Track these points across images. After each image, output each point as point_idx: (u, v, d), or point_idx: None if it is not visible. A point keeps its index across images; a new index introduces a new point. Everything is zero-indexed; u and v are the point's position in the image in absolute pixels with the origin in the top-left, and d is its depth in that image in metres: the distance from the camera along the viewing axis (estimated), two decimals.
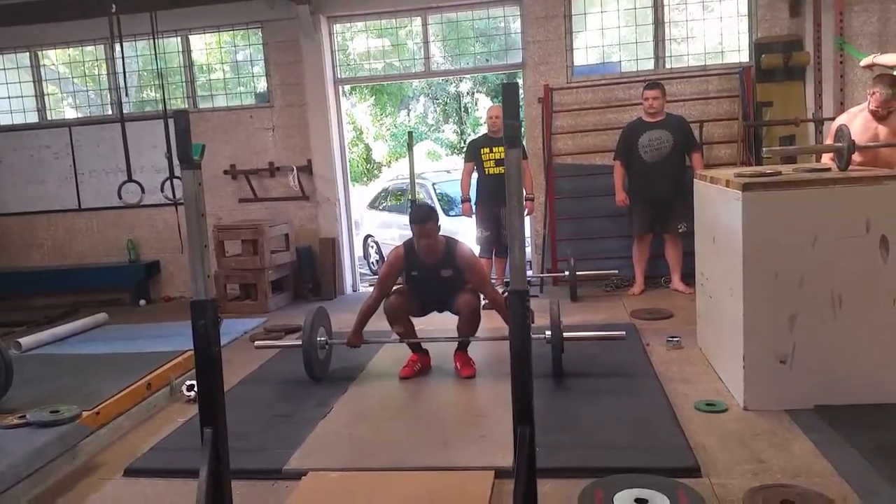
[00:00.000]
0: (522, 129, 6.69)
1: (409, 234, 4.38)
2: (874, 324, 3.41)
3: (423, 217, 4.23)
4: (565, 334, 4.13)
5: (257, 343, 4.91)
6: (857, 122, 4.25)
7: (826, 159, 4.49)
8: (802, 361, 3.44)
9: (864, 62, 4.99)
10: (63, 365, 4.63)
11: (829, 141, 4.35)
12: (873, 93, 4.17)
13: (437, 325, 4.96)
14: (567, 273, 6.38)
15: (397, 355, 4.60)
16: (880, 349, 3.41)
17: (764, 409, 3.47)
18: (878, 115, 4.17)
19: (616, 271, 6.63)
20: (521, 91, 6.96)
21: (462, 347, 4.45)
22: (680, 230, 6.08)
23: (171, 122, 6.15)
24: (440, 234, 4.29)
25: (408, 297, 4.43)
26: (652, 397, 3.77)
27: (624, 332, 4.42)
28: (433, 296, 4.42)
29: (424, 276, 4.33)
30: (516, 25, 7.19)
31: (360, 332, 4.42)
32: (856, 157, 3.87)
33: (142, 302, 7.59)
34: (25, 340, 5.55)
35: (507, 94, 2.39)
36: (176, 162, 5.94)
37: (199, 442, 2.71)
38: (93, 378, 4.18)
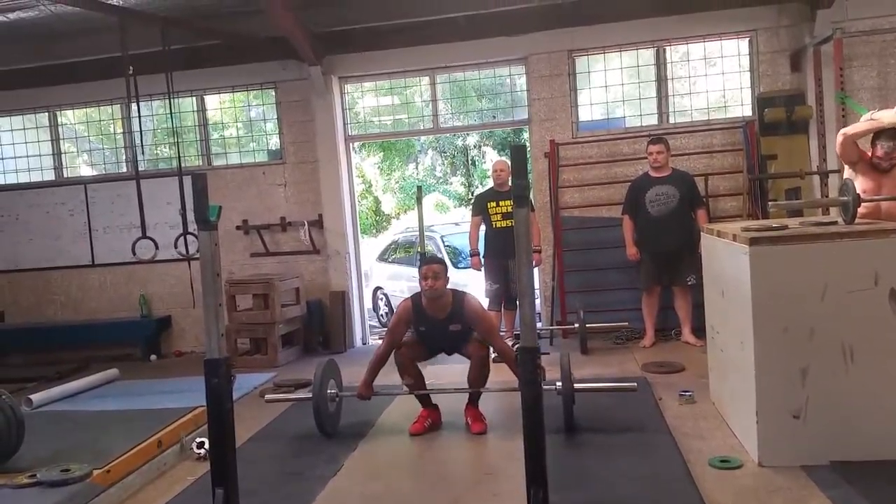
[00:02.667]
0: (530, 184, 6.78)
1: (417, 286, 4.41)
2: (887, 377, 3.39)
3: (430, 259, 4.40)
4: (576, 385, 4.11)
5: (268, 397, 4.90)
6: (860, 174, 4.30)
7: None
8: (816, 416, 3.41)
9: (863, 118, 5.06)
10: (74, 422, 4.62)
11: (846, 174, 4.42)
12: (877, 145, 4.23)
13: (447, 378, 4.96)
14: (577, 325, 6.37)
15: (407, 409, 4.58)
16: (894, 403, 3.38)
17: (779, 466, 3.43)
18: (882, 168, 4.22)
19: (626, 323, 6.62)
20: (527, 146, 7.08)
21: (473, 401, 4.42)
22: (689, 283, 6.08)
23: (185, 179, 6.28)
24: (448, 287, 4.32)
25: (416, 346, 4.44)
26: (665, 453, 3.73)
27: (635, 384, 4.40)
28: (442, 347, 4.49)
29: (433, 331, 4.36)
30: (521, 82, 7.36)
31: (371, 384, 4.41)
32: (860, 209, 3.90)
33: (153, 357, 7.60)
34: (37, 397, 5.57)
35: (516, 155, 2.46)
36: (190, 218, 6.06)
37: (210, 501, 2.71)
38: (104, 435, 4.18)
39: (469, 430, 4.32)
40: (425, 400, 4.48)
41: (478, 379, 4.34)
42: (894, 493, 3.05)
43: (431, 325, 4.34)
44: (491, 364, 4.40)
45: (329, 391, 4.42)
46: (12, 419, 3.72)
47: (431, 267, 4.27)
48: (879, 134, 4.25)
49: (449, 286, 4.37)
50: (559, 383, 4.07)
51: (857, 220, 3.73)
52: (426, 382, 4.53)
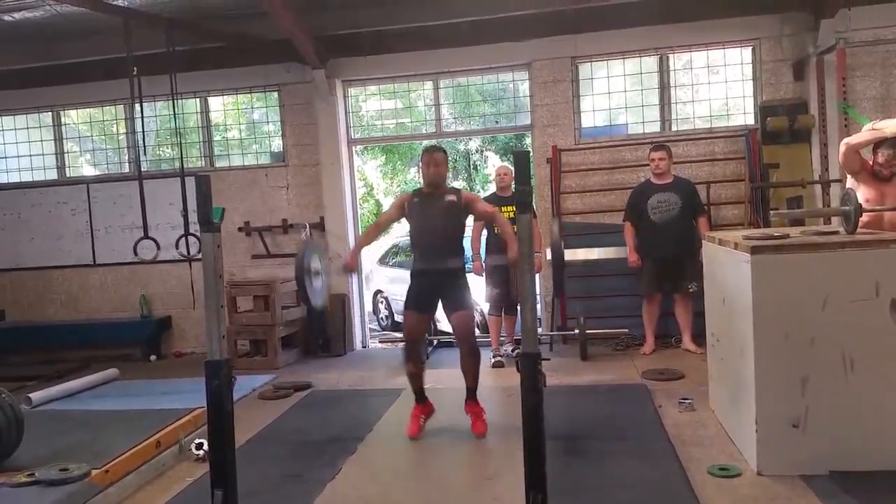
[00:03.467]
0: (533, 191, 6.79)
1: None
2: (887, 387, 3.38)
3: (434, 147, 4.41)
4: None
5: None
6: (862, 184, 4.30)
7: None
8: (816, 425, 3.41)
9: (867, 128, 5.07)
10: (73, 421, 4.62)
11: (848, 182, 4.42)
12: (878, 152, 4.23)
13: (448, 381, 4.96)
14: (577, 331, 6.37)
15: (407, 412, 4.57)
16: (895, 414, 3.38)
17: (778, 474, 3.42)
18: (883, 176, 4.21)
19: (626, 330, 6.62)
20: (530, 152, 7.09)
21: (471, 395, 4.42)
22: (690, 290, 6.08)
23: (187, 180, 6.29)
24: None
25: (420, 317, 4.43)
26: (664, 461, 3.73)
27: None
28: (432, 234, 4.32)
29: (427, 204, 4.31)
30: (524, 88, 7.37)
31: (357, 257, 4.51)
32: (862, 218, 3.90)
33: (152, 357, 7.60)
34: (36, 395, 5.57)
35: (519, 161, 2.47)
36: (191, 219, 6.07)
37: (209, 502, 2.71)
38: (103, 435, 4.17)
39: (471, 431, 4.31)
40: (419, 395, 4.49)
41: (469, 367, 4.34)
42: None
43: (427, 198, 4.32)
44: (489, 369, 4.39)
45: (313, 265, 4.30)
46: (12, 418, 3.72)
47: (434, 156, 4.31)
48: (881, 142, 4.26)
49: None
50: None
51: (859, 230, 3.73)
52: (427, 385, 4.53)
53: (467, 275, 4.53)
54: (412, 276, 4.49)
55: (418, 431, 4.37)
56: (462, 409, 4.46)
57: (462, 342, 4.35)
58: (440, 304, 4.45)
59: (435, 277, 4.34)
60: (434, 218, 4.31)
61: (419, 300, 4.42)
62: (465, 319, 4.32)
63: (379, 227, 4.85)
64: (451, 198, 4.33)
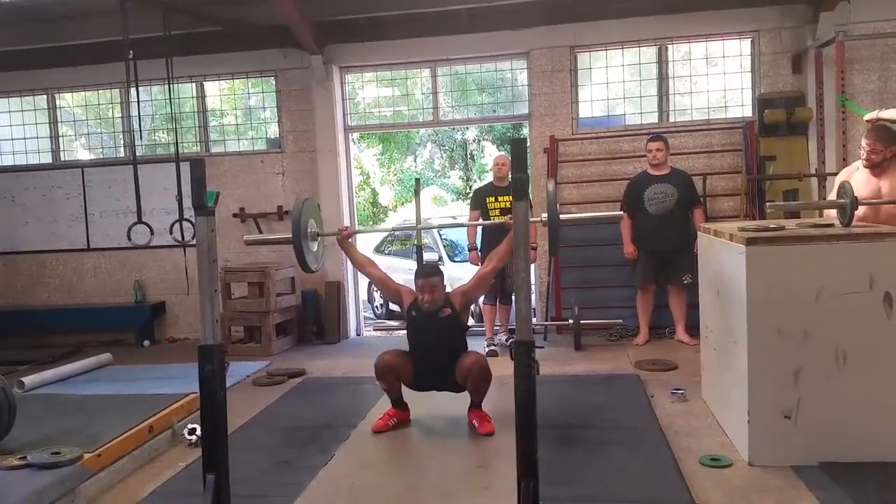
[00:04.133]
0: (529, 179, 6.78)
1: (412, 279, 4.40)
2: (879, 380, 3.40)
3: (428, 272, 4.29)
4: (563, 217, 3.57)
5: (247, 238, 4.55)
6: (858, 176, 4.29)
7: (833, 214, 4.52)
8: (807, 417, 3.42)
9: (867, 117, 5.07)
10: (66, 405, 4.61)
11: (833, 195, 4.39)
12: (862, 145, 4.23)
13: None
14: (571, 322, 6.38)
15: None
16: (886, 407, 3.40)
17: (769, 465, 3.44)
18: (873, 163, 4.19)
19: (620, 321, 6.63)
20: (527, 141, 7.06)
21: (476, 405, 4.31)
22: (685, 282, 6.09)
23: (182, 165, 6.26)
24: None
25: (402, 361, 4.30)
26: (656, 451, 3.74)
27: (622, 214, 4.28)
28: (431, 354, 4.27)
29: (423, 319, 4.27)
30: (523, 77, 7.34)
31: (349, 238, 4.39)
32: (858, 212, 3.90)
33: (146, 343, 7.59)
34: (29, 379, 5.55)
35: (516, 149, 2.46)
36: (186, 204, 6.04)
37: (201, 487, 2.72)
38: (95, 419, 4.17)
39: (476, 431, 4.20)
40: (396, 401, 4.41)
41: (479, 386, 4.22)
42: (882, 495, 3.07)
43: (425, 315, 4.28)
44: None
45: (310, 230, 4.11)
46: (4, 401, 3.72)
47: (429, 281, 4.22)
48: (866, 133, 4.25)
49: (445, 281, 4.36)
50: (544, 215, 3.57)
51: (854, 223, 3.73)
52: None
53: (458, 273, 4.49)
54: (407, 323, 4.43)
55: (384, 427, 4.26)
56: (453, 398, 4.42)
57: (476, 367, 4.15)
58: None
59: (432, 375, 4.33)
60: (433, 338, 4.28)
61: (418, 372, 4.32)
62: (477, 358, 4.21)
63: (375, 274, 4.54)
64: (447, 311, 4.26)
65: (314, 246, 4.10)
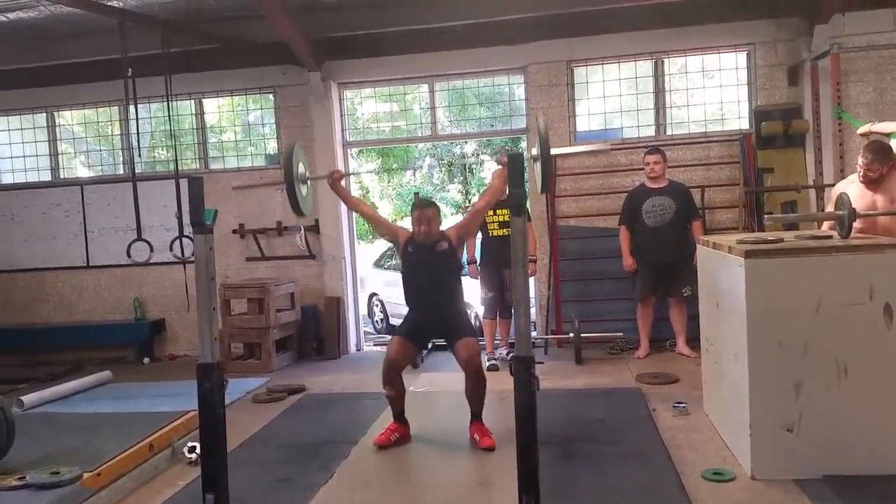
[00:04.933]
0: (527, 194, 6.79)
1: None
2: (880, 392, 3.39)
3: (424, 203, 4.29)
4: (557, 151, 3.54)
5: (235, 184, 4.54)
6: (854, 189, 4.30)
7: (826, 226, 4.54)
8: (809, 430, 3.41)
9: (861, 130, 5.10)
10: (65, 424, 4.60)
11: (830, 208, 4.40)
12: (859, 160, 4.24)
13: (441, 385, 4.95)
14: (572, 335, 6.37)
15: None
16: (888, 418, 3.39)
17: (772, 479, 3.42)
18: (869, 180, 4.21)
19: (621, 334, 6.62)
20: (525, 155, 7.08)
21: (476, 417, 4.30)
22: (685, 294, 6.09)
23: (182, 182, 6.27)
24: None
25: (404, 345, 4.33)
26: (658, 465, 3.73)
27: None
28: (428, 291, 4.28)
29: (420, 253, 4.25)
30: (520, 92, 7.38)
31: (341, 181, 4.57)
32: (855, 224, 3.91)
33: (146, 360, 7.57)
34: (28, 398, 5.53)
35: (513, 164, 2.47)
36: (186, 221, 6.05)
37: None
38: (95, 438, 4.15)
39: (477, 446, 4.17)
40: (398, 415, 4.39)
41: (475, 393, 4.24)
42: None
43: (421, 249, 4.25)
44: (486, 374, 4.35)
45: (300, 171, 4.22)
46: (2, 421, 3.71)
47: (425, 212, 4.19)
48: (863, 148, 4.27)
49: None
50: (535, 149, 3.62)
51: (852, 235, 3.74)
52: (420, 389, 4.50)
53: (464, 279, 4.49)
54: (404, 262, 4.41)
55: (387, 442, 4.24)
56: (454, 413, 4.42)
57: (469, 369, 4.20)
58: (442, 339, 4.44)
59: (432, 323, 4.32)
60: (429, 272, 4.25)
61: (412, 332, 4.36)
62: (471, 345, 4.22)
63: (368, 212, 4.70)
64: (444, 245, 4.25)
65: (304, 190, 4.13)
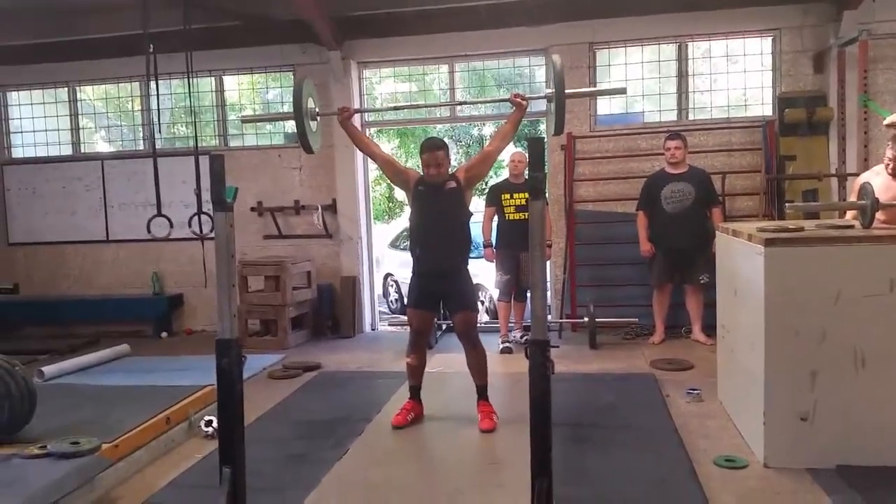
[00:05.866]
0: (546, 177, 6.75)
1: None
2: None
3: (434, 144, 4.18)
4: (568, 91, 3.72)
5: (242, 116, 4.52)
6: (879, 180, 4.24)
7: (849, 215, 4.49)
8: (824, 420, 3.40)
9: (888, 120, 5.00)
10: (84, 395, 4.67)
11: (853, 197, 4.35)
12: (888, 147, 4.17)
13: (457, 367, 4.97)
14: (586, 319, 6.37)
15: None
16: None
17: (785, 467, 3.42)
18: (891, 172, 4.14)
19: (636, 319, 6.61)
20: (544, 138, 7.05)
21: (481, 394, 4.35)
22: (702, 281, 6.05)
23: (201, 158, 6.31)
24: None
25: (424, 314, 4.35)
26: (671, 451, 3.73)
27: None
28: (437, 232, 4.24)
29: (429, 193, 4.21)
30: (541, 73, 7.32)
31: (350, 119, 4.43)
32: (879, 215, 3.86)
33: (163, 334, 7.67)
34: (48, 369, 5.63)
35: (533, 148, 2.45)
36: (205, 197, 6.09)
37: (217, 479, 2.74)
38: (113, 410, 4.21)
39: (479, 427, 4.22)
40: (414, 392, 4.42)
41: (475, 365, 4.29)
42: None
43: (431, 188, 4.21)
44: (500, 356, 4.36)
45: (309, 107, 4.17)
46: (24, 390, 3.76)
47: (435, 154, 4.11)
48: (892, 139, 4.19)
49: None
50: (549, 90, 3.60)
51: (874, 225, 3.69)
52: (435, 370, 4.52)
53: (472, 269, 4.47)
54: (414, 275, 4.39)
55: (404, 422, 4.28)
56: (468, 394, 4.44)
57: (464, 341, 4.27)
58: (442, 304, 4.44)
59: (437, 278, 4.26)
60: (438, 211, 4.22)
61: (421, 299, 4.34)
62: (468, 318, 4.25)
63: (379, 153, 4.52)
64: (452, 184, 4.21)
65: (313, 125, 4.13)
